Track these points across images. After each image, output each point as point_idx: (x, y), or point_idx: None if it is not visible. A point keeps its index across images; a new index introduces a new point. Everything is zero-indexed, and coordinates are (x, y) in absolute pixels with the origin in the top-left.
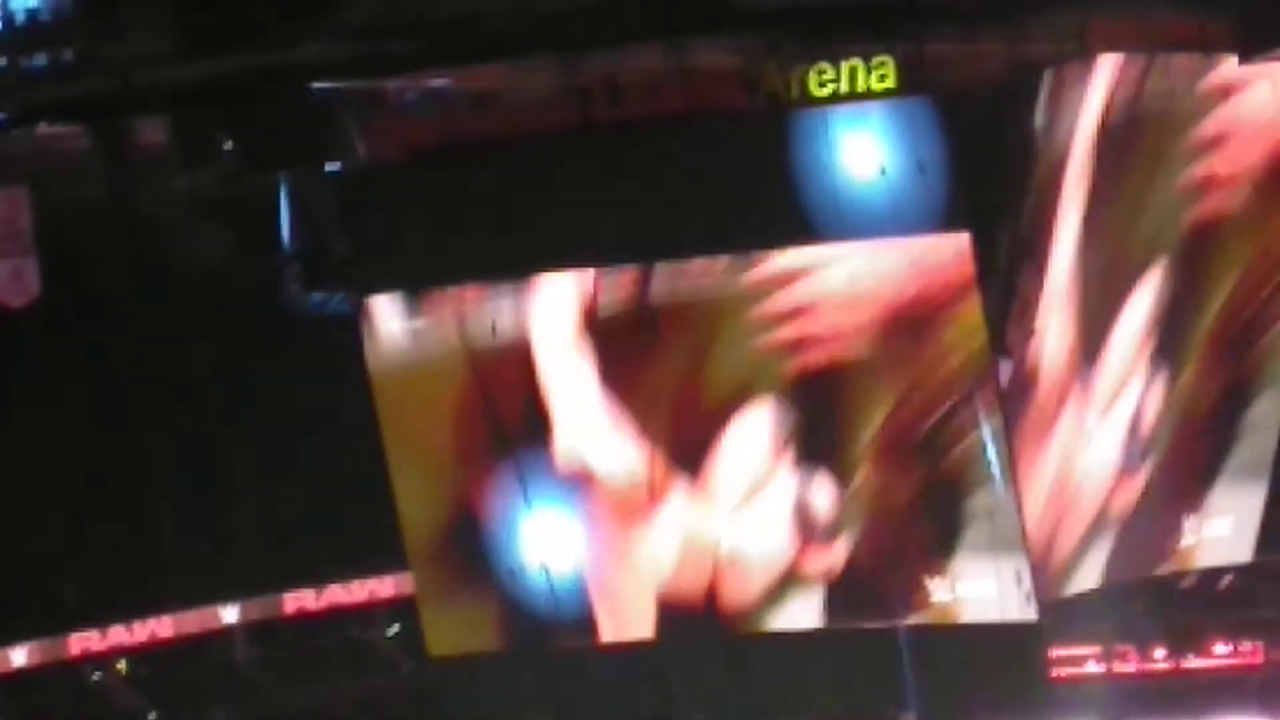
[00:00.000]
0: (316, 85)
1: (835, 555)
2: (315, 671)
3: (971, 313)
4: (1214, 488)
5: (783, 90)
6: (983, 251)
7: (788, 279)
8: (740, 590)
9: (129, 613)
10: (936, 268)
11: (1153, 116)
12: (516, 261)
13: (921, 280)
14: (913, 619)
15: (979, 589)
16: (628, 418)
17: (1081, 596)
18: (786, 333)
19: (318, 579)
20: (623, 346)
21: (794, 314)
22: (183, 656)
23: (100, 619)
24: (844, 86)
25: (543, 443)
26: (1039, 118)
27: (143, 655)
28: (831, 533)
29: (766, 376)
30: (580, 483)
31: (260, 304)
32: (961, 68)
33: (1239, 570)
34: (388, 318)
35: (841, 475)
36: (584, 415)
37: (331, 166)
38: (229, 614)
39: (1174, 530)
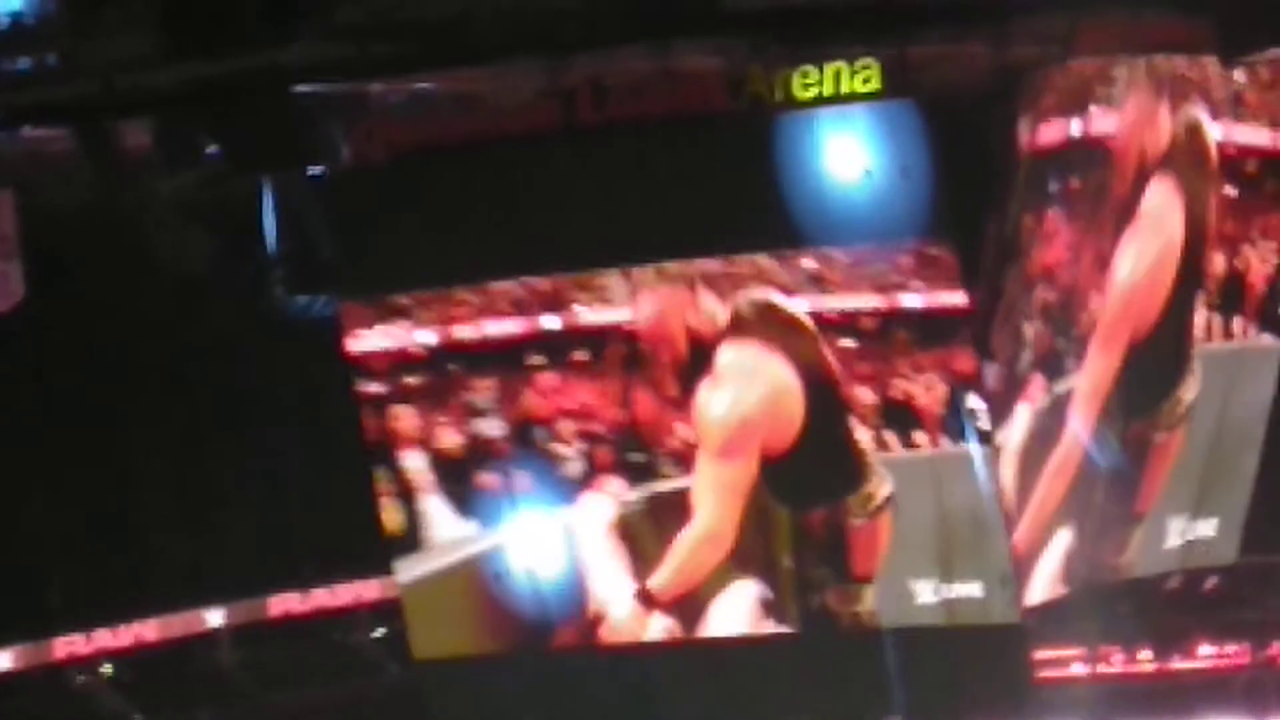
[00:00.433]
0: (300, 88)
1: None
2: (300, 675)
3: None
4: (1198, 488)
5: (767, 93)
6: (967, 255)
7: None
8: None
9: (114, 616)
10: None
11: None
12: (500, 264)
13: None
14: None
15: (964, 591)
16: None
17: (1066, 598)
18: None
19: (303, 583)
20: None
21: None
22: (167, 660)
23: (85, 623)
24: (828, 89)
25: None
26: (1024, 120)
27: (127, 659)
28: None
29: None
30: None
31: (245, 307)
32: (946, 70)
33: (1224, 571)
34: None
35: None
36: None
37: (315, 169)
38: (214, 617)
39: (1157, 532)
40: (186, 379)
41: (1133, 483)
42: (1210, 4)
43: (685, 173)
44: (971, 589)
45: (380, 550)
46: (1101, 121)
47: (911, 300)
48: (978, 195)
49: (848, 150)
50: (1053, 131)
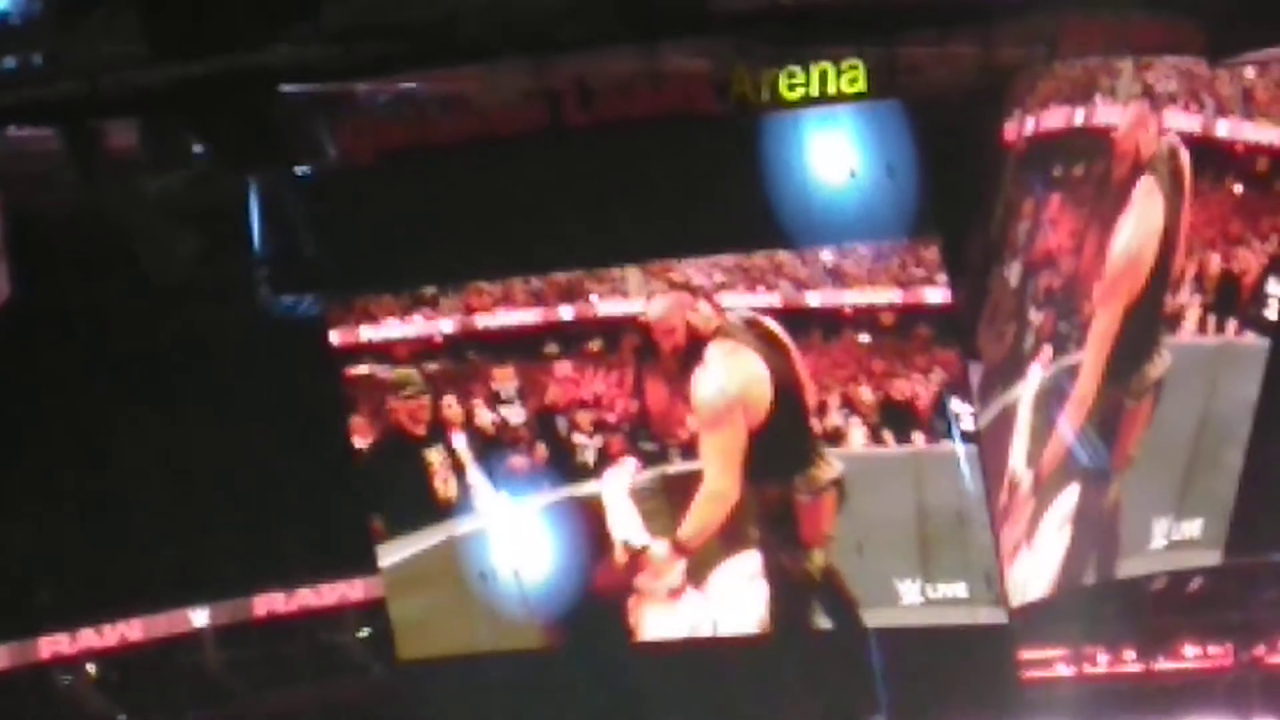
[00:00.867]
0: (286, 88)
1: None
2: (285, 674)
3: None
4: (1183, 489)
5: (753, 93)
6: (953, 254)
7: None
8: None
9: (99, 616)
10: None
11: None
12: (486, 264)
13: None
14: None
15: (949, 591)
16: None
17: (1052, 599)
18: None
19: (288, 582)
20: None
21: None
22: (153, 660)
23: (69, 622)
24: (814, 90)
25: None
26: (1010, 119)
27: (112, 658)
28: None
29: None
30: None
31: (231, 307)
32: (932, 71)
33: (1209, 572)
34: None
35: None
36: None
37: (301, 169)
38: (199, 617)
39: (1142, 533)
40: (171, 377)
41: (1109, 443)
42: (1195, 5)
43: (670, 173)
44: (956, 589)
45: (365, 549)
46: (1087, 120)
47: (893, 297)
48: (964, 194)
49: (833, 150)
50: (1037, 130)
